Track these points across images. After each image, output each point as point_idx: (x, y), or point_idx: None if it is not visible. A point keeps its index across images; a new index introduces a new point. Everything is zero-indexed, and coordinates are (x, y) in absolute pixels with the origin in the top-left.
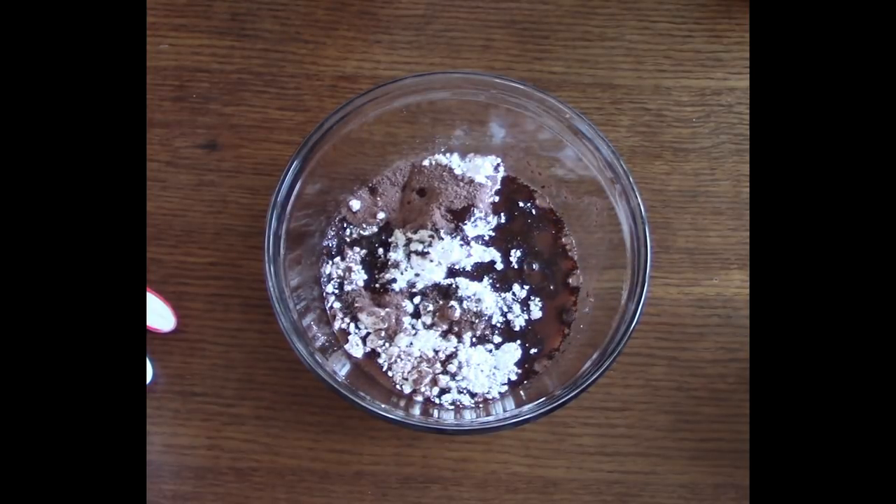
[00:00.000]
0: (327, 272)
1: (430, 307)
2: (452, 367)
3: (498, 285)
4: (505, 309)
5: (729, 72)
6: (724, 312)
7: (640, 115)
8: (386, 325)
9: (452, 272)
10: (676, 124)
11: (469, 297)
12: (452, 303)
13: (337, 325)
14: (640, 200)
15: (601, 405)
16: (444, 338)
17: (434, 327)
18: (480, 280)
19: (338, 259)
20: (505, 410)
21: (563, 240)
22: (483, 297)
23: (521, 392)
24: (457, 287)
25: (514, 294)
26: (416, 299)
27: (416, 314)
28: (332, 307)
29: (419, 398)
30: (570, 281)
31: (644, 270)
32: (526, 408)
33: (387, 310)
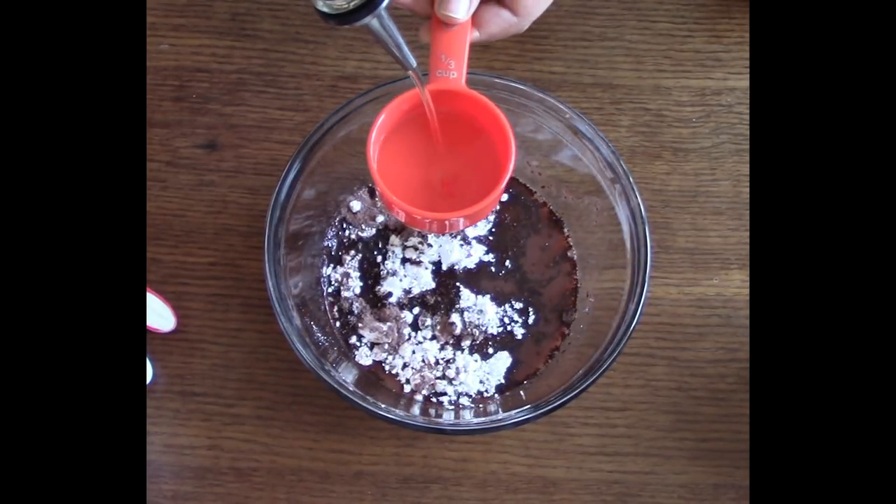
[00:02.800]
0: (327, 274)
1: (429, 321)
2: (451, 373)
3: (498, 294)
4: (506, 320)
5: (729, 72)
6: (724, 312)
7: (640, 115)
8: (389, 340)
9: (454, 275)
10: (676, 124)
11: (470, 307)
12: (453, 319)
13: (337, 325)
14: (640, 200)
15: (601, 405)
16: (444, 348)
17: (435, 339)
18: (482, 291)
19: (336, 265)
20: (505, 410)
21: (563, 240)
22: (484, 307)
23: (522, 392)
24: (458, 297)
25: (512, 304)
26: (416, 310)
27: (415, 325)
28: (331, 310)
29: (419, 398)
30: (570, 281)
31: (644, 270)
32: (526, 408)
33: (388, 324)
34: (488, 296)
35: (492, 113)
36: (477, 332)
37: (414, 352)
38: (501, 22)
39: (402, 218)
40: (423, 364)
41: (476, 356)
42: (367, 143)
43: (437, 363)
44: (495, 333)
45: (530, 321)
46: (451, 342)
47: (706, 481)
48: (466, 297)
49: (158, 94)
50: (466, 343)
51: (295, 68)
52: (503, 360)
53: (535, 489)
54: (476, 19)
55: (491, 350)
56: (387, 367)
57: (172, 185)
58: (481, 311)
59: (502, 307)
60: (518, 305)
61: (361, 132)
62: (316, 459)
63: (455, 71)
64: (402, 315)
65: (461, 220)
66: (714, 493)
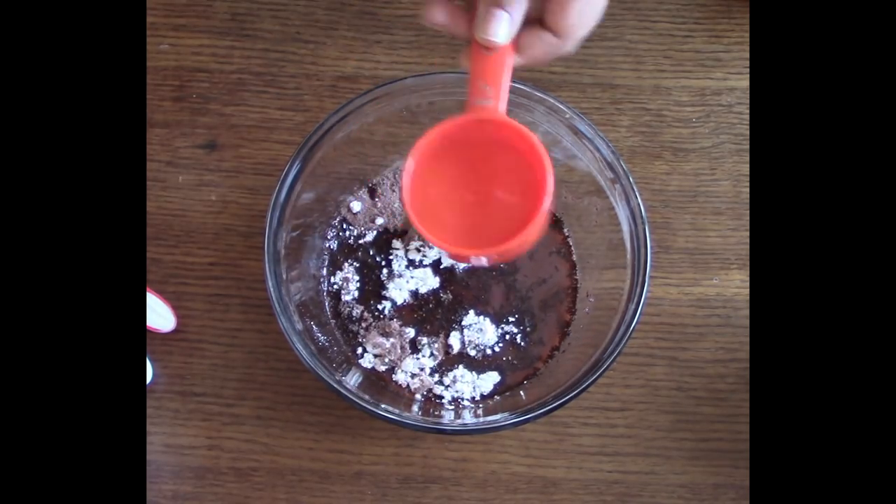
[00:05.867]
0: (327, 276)
1: (425, 340)
2: (447, 381)
3: (498, 294)
4: (507, 336)
5: (729, 72)
6: (724, 312)
7: (640, 115)
8: (392, 356)
9: (454, 273)
10: (676, 124)
11: (470, 325)
12: (451, 340)
13: (336, 326)
14: (640, 200)
15: (601, 405)
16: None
17: (433, 357)
18: (485, 312)
19: (337, 269)
20: (504, 411)
21: (563, 240)
22: (484, 326)
23: (522, 392)
24: (462, 315)
25: (512, 304)
26: (417, 327)
27: (414, 346)
28: (332, 311)
29: (419, 397)
30: (570, 281)
31: (644, 270)
32: (526, 408)
33: (391, 340)
34: (488, 319)
35: (530, 143)
36: (475, 352)
37: (413, 364)
38: (544, 45)
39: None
40: (421, 371)
41: (474, 372)
42: (401, 179)
43: (433, 372)
44: (494, 352)
45: (528, 322)
46: (447, 361)
47: (706, 481)
48: (471, 319)
49: (158, 94)
50: (463, 359)
51: (295, 68)
52: (493, 378)
53: (535, 489)
54: (517, 43)
55: (484, 366)
56: (388, 376)
57: (172, 185)
58: (481, 329)
59: (502, 316)
60: (518, 305)
61: (361, 132)
62: (316, 459)
63: (492, 98)
64: (406, 331)
65: (496, 254)
66: (714, 493)
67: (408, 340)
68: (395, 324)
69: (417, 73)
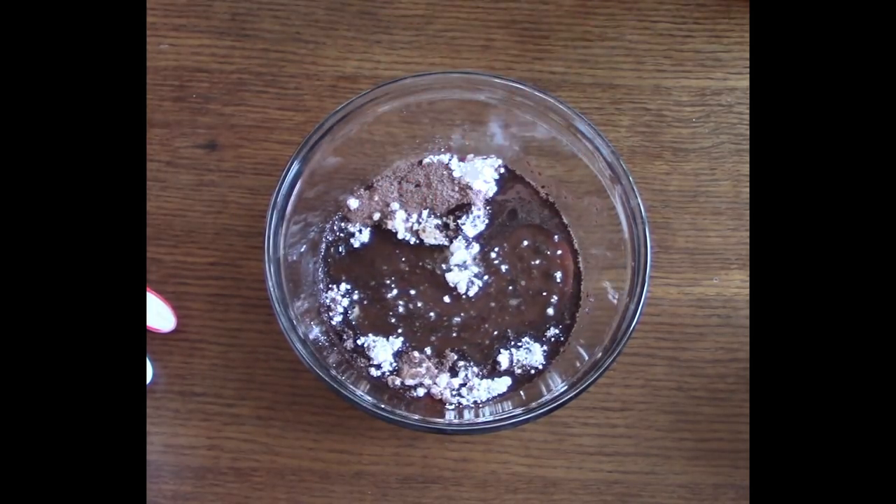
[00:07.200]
0: (326, 275)
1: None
2: (465, 391)
3: (500, 293)
4: (513, 351)
5: (729, 72)
6: (724, 312)
7: (640, 115)
8: (425, 379)
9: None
10: (676, 124)
11: (519, 345)
12: (500, 359)
13: (334, 324)
14: (640, 200)
15: (601, 405)
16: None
17: (441, 367)
18: (526, 334)
19: (336, 270)
20: (505, 410)
21: (564, 240)
22: (532, 347)
23: (522, 392)
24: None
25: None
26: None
27: (453, 370)
28: (331, 312)
29: (424, 402)
30: (570, 281)
31: (644, 270)
32: (526, 407)
33: (420, 375)
34: (531, 336)
35: None
36: (520, 371)
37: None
38: None
39: None
40: (434, 384)
41: (488, 380)
42: None
43: (447, 386)
44: (498, 368)
45: (532, 321)
46: (486, 374)
47: (706, 481)
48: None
49: (158, 94)
50: (473, 370)
51: (295, 68)
52: (506, 382)
53: (535, 489)
54: None
55: (499, 373)
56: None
57: (172, 185)
58: (529, 350)
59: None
60: (524, 350)
61: (361, 132)
62: (316, 459)
63: None
64: (435, 372)
65: None
66: (714, 493)
67: (432, 375)
68: (423, 360)
69: (417, 73)
